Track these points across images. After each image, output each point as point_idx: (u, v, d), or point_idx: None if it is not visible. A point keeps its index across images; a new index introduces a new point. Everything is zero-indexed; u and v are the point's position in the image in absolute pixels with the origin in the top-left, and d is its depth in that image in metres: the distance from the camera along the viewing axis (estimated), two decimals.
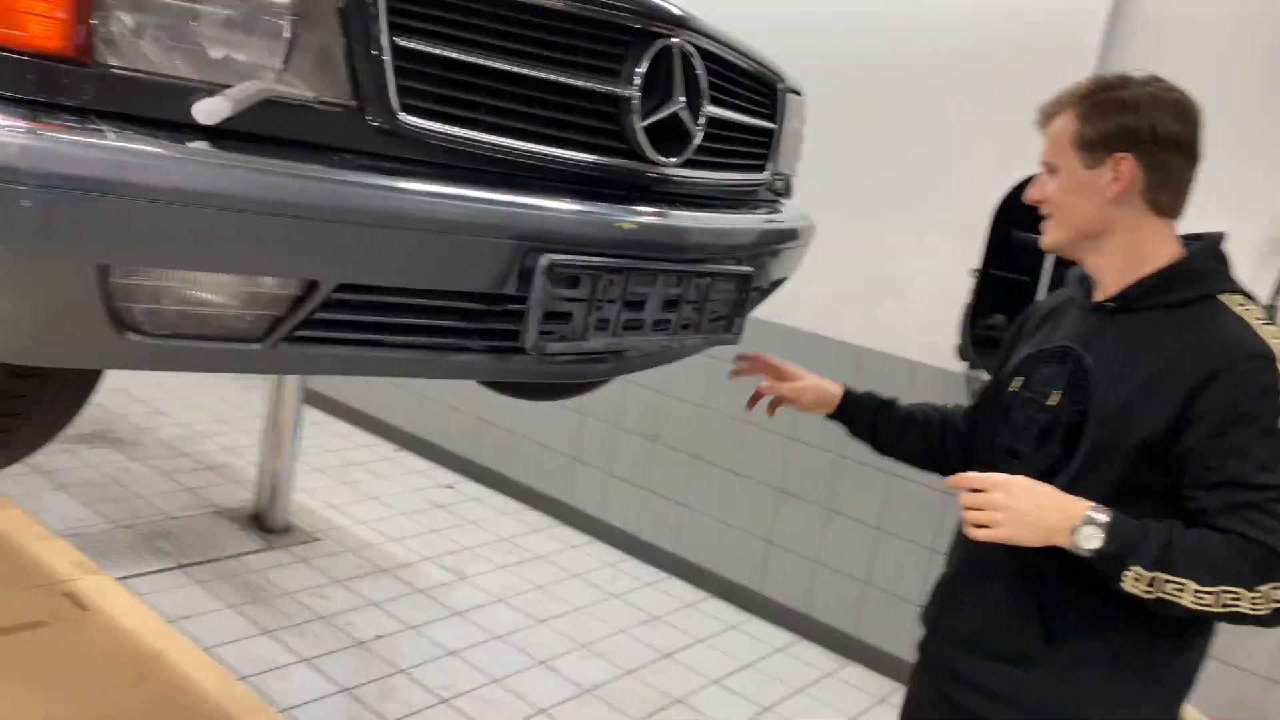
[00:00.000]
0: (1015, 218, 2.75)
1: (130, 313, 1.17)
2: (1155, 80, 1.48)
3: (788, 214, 1.98)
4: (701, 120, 1.59)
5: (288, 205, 1.16)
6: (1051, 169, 1.54)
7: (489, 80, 1.34)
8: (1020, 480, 1.42)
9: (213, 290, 1.21)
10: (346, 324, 1.31)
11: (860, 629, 3.48)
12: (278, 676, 2.86)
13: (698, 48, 1.57)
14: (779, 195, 2.05)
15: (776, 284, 2.13)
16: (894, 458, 1.89)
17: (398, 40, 1.24)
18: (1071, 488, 1.44)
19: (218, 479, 4.09)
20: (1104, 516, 1.36)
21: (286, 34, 1.19)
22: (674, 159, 1.56)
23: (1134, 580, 1.34)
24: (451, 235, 1.28)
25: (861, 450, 1.90)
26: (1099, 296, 1.56)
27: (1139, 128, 1.46)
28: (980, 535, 1.42)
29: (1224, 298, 1.46)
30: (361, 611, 3.29)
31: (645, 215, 1.49)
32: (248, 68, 1.17)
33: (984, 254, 2.92)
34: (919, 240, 3.30)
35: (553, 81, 1.40)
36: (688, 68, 1.55)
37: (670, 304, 1.58)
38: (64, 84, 1.06)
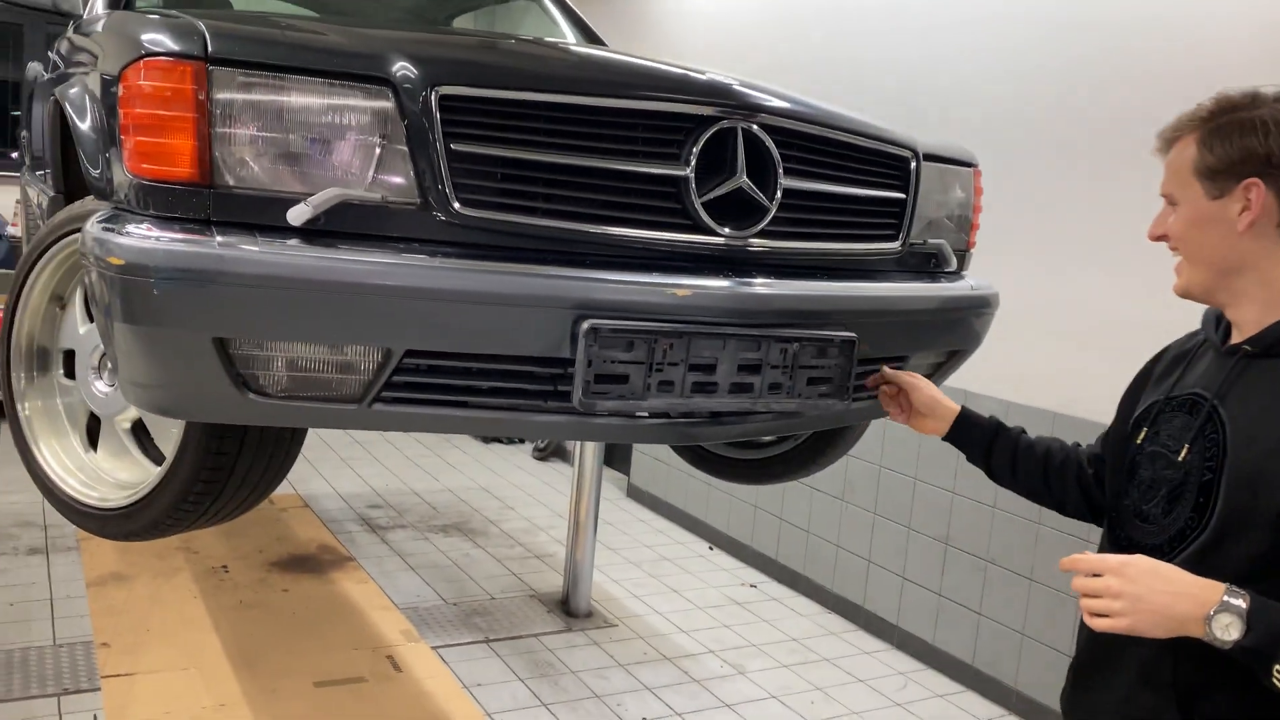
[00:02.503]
0: None
1: (250, 378, 1.48)
2: None
3: (933, 284, 1.94)
4: (777, 194, 1.66)
5: (356, 286, 1.42)
6: (1172, 201, 1.43)
7: (540, 172, 1.54)
8: (1141, 561, 1.25)
9: (312, 358, 1.50)
10: (429, 386, 1.54)
11: None
12: None
13: (771, 126, 1.66)
14: (938, 264, 2.01)
15: (953, 354, 2.07)
16: (1009, 488, 1.76)
17: (452, 146, 1.48)
18: (1205, 558, 1.29)
19: (542, 567, 4.52)
20: (1243, 602, 1.18)
21: (364, 153, 1.48)
22: (749, 230, 1.65)
23: None
24: (499, 307, 1.48)
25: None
26: (1235, 338, 1.40)
27: (1269, 152, 1.32)
28: (1100, 626, 1.26)
29: None
30: (635, 694, 3.45)
31: (704, 282, 1.58)
32: (334, 180, 1.47)
33: None
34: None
35: (605, 169, 1.56)
36: (754, 145, 1.64)
37: (750, 368, 1.64)
38: (188, 201, 1.42)
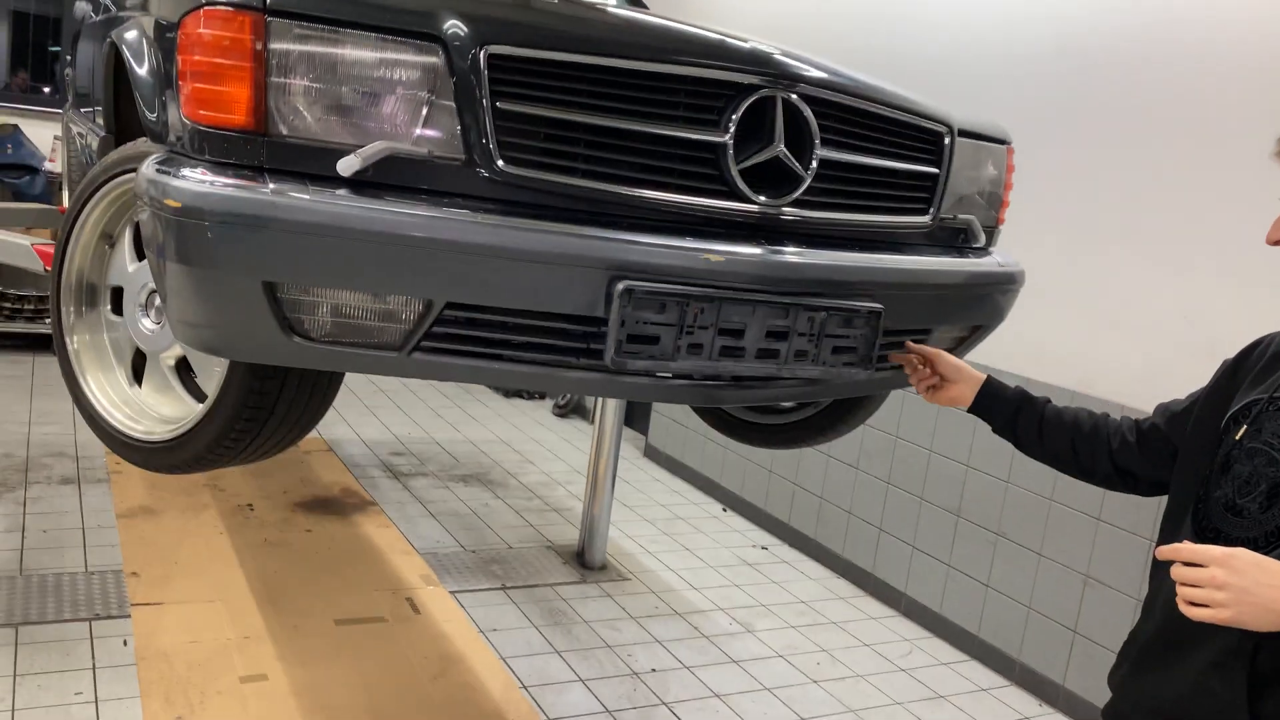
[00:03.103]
0: None
1: (296, 321, 1.54)
2: None
3: (960, 259, 1.97)
4: (813, 164, 1.69)
5: (401, 238, 1.47)
6: None
7: (583, 134, 1.57)
8: (1245, 555, 1.26)
9: (356, 306, 1.55)
10: (467, 338, 1.60)
11: None
12: (554, 691, 3.18)
13: (810, 96, 1.69)
14: (966, 240, 2.04)
15: (976, 329, 2.11)
16: (1036, 458, 1.80)
17: (498, 104, 1.52)
18: None
19: (559, 520, 4.60)
20: None
21: (412, 108, 1.52)
22: (783, 199, 1.68)
23: None
24: (538, 264, 1.52)
25: None
26: None
27: None
28: (1199, 615, 1.26)
29: None
30: (645, 646, 3.54)
31: (737, 249, 1.62)
32: (384, 133, 1.52)
33: None
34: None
35: (646, 132, 1.60)
36: (793, 114, 1.67)
37: (777, 334, 1.68)
38: (243, 148, 1.47)
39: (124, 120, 2.15)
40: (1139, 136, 3.23)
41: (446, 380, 1.68)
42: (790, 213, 1.70)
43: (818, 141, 1.69)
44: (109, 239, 2.03)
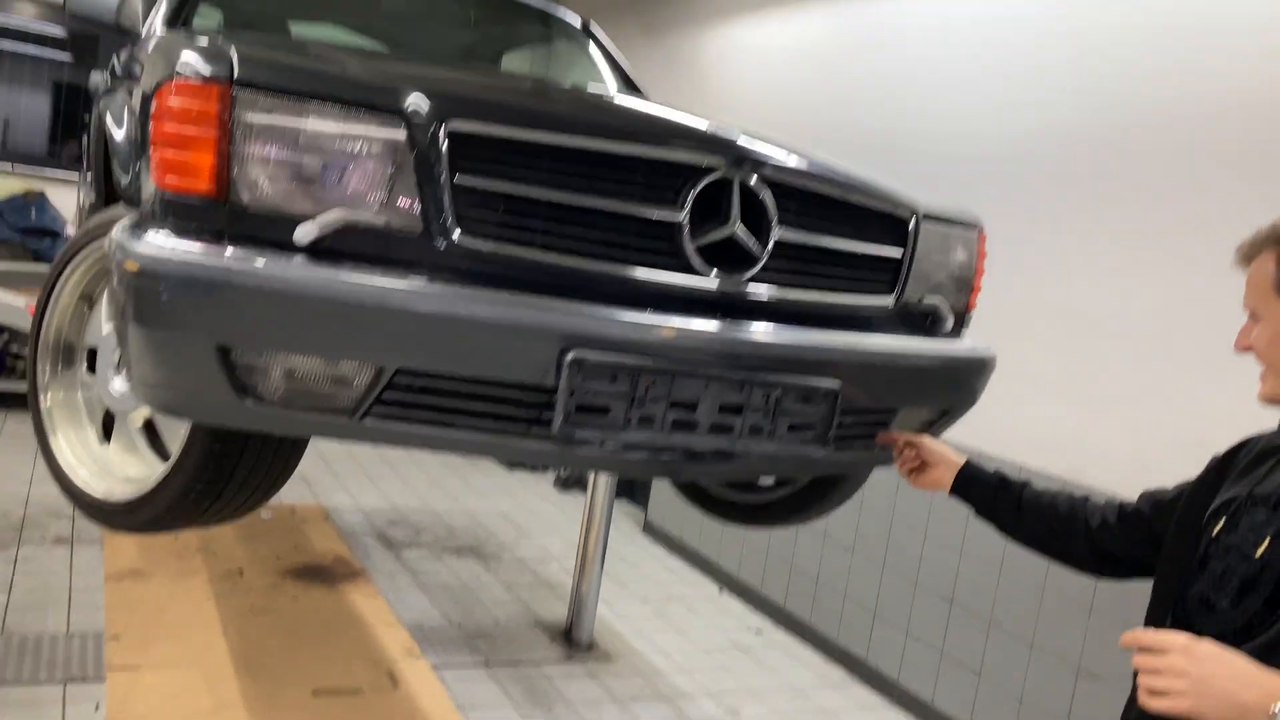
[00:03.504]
0: None
1: (249, 384, 1.56)
2: None
3: (927, 342, 1.97)
4: (770, 244, 1.71)
5: (348, 304, 1.49)
6: (1255, 315, 1.44)
7: (540, 208, 1.60)
8: (1207, 645, 1.23)
9: (308, 370, 1.57)
10: (418, 405, 1.61)
11: None
12: None
13: (769, 179, 1.71)
14: (934, 322, 2.04)
15: (945, 413, 2.10)
16: (1018, 542, 1.78)
17: (457, 178, 1.55)
18: (1273, 652, 1.27)
19: (550, 596, 4.55)
20: None
21: (372, 179, 1.56)
22: (740, 276, 1.70)
23: None
24: (487, 332, 1.54)
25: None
26: None
27: None
28: (1156, 706, 1.23)
29: None
30: None
31: (691, 323, 1.63)
32: (342, 203, 1.55)
33: None
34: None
35: (603, 209, 1.62)
36: (750, 196, 1.69)
37: (731, 409, 1.68)
38: (205, 215, 1.50)
39: (112, 186, 2.21)
40: (1128, 226, 3.24)
41: (400, 446, 1.69)
42: (747, 290, 1.71)
43: (775, 222, 1.71)
44: (88, 300, 2.08)
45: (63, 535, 4.28)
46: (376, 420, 1.60)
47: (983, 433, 3.61)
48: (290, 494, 5.37)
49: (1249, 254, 1.42)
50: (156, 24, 2.58)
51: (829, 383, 1.75)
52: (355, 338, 1.51)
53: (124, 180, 1.71)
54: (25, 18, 6.93)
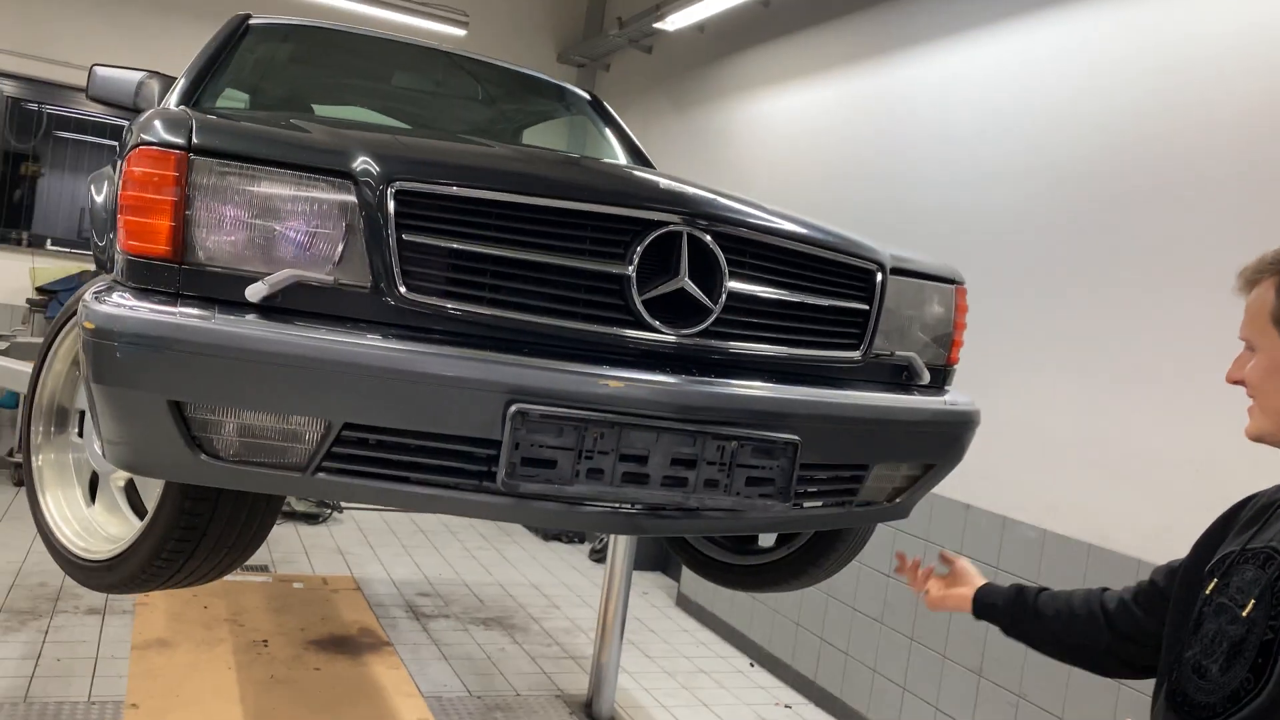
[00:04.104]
0: None
1: (204, 440, 1.59)
2: None
3: (900, 397, 1.94)
4: (723, 297, 1.71)
5: (293, 360, 1.52)
6: (1251, 346, 1.40)
7: (487, 264, 1.62)
8: None
9: (260, 425, 1.60)
10: (369, 459, 1.62)
11: None
12: None
13: (718, 232, 1.71)
14: (910, 377, 2.01)
15: (929, 468, 2.06)
16: (1045, 652, 1.73)
17: (404, 236, 1.59)
18: None
19: (574, 668, 4.49)
20: None
21: (322, 238, 1.60)
22: (692, 329, 1.69)
23: None
24: (430, 386, 1.55)
25: None
26: None
27: None
28: None
29: None
30: None
31: (638, 375, 1.62)
32: (294, 262, 1.59)
33: None
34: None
35: (549, 264, 1.64)
36: (700, 249, 1.70)
37: (684, 462, 1.67)
38: (162, 276, 1.55)
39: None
40: (1141, 287, 3.18)
41: (354, 501, 1.70)
42: (700, 342, 1.71)
43: (726, 275, 1.71)
44: (79, 365, 2.14)
45: (95, 605, 4.36)
46: (330, 475, 1.62)
47: (1005, 499, 3.52)
48: (325, 564, 5.43)
49: (1250, 280, 1.38)
50: (171, 102, 2.70)
51: (788, 436, 1.72)
52: (301, 392, 1.53)
53: (100, 246, 1.78)
54: (99, 111, 7.31)
